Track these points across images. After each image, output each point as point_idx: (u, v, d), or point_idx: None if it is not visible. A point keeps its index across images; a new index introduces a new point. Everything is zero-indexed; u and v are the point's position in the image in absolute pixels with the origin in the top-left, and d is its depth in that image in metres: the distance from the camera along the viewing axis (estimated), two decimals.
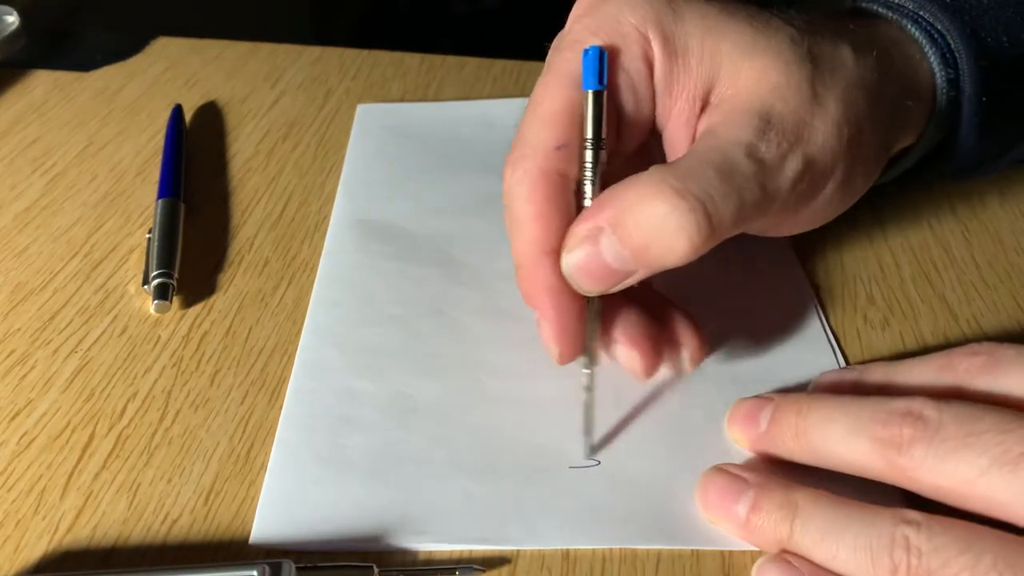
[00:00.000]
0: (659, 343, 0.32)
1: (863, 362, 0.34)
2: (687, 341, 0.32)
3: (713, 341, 0.35)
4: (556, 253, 0.29)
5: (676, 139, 0.32)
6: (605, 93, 0.29)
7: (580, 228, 0.29)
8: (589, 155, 0.29)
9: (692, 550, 0.27)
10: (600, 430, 0.31)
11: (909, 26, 0.36)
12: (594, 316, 0.30)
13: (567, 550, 0.27)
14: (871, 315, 0.37)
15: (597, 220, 0.28)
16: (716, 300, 0.37)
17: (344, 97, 0.52)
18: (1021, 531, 0.24)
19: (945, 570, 0.23)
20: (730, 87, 0.30)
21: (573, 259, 0.29)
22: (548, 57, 0.32)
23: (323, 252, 0.39)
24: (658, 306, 0.33)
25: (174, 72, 0.54)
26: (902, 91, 0.35)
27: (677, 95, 0.31)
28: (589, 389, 0.30)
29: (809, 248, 0.40)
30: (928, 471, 0.25)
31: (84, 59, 0.54)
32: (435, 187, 0.44)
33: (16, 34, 0.55)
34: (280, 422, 0.31)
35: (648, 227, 0.27)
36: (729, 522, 0.27)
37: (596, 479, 0.29)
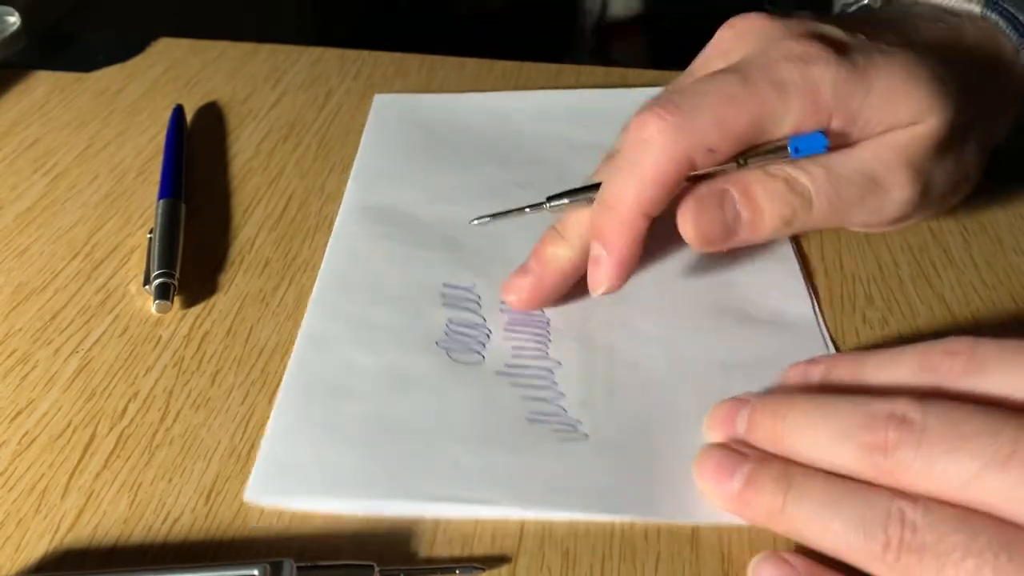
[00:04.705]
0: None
1: None
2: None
3: (710, 341, 0.35)
4: (650, 219, 0.32)
5: None
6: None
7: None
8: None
9: (692, 550, 0.28)
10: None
11: (999, 21, 0.39)
12: None
13: (567, 549, 0.27)
14: (870, 315, 0.37)
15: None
16: (712, 298, 0.37)
17: (345, 97, 0.52)
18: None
19: (940, 545, 0.23)
20: (877, 127, 0.34)
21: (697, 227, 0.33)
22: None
23: (332, 234, 0.40)
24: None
25: (175, 73, 0.54)
26: (1007, 95, 0.39)
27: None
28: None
29: (808, 248, 0.40)
30: (917, 474, 0.24)
31: (85, 60, 0.54)
32: (446, 176, 0.44)
33: (17, 35, 0.55)
34: (280, 389, 0.32)
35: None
36: (723, 494, 0.27)
37: (586, 451, 0.30)
